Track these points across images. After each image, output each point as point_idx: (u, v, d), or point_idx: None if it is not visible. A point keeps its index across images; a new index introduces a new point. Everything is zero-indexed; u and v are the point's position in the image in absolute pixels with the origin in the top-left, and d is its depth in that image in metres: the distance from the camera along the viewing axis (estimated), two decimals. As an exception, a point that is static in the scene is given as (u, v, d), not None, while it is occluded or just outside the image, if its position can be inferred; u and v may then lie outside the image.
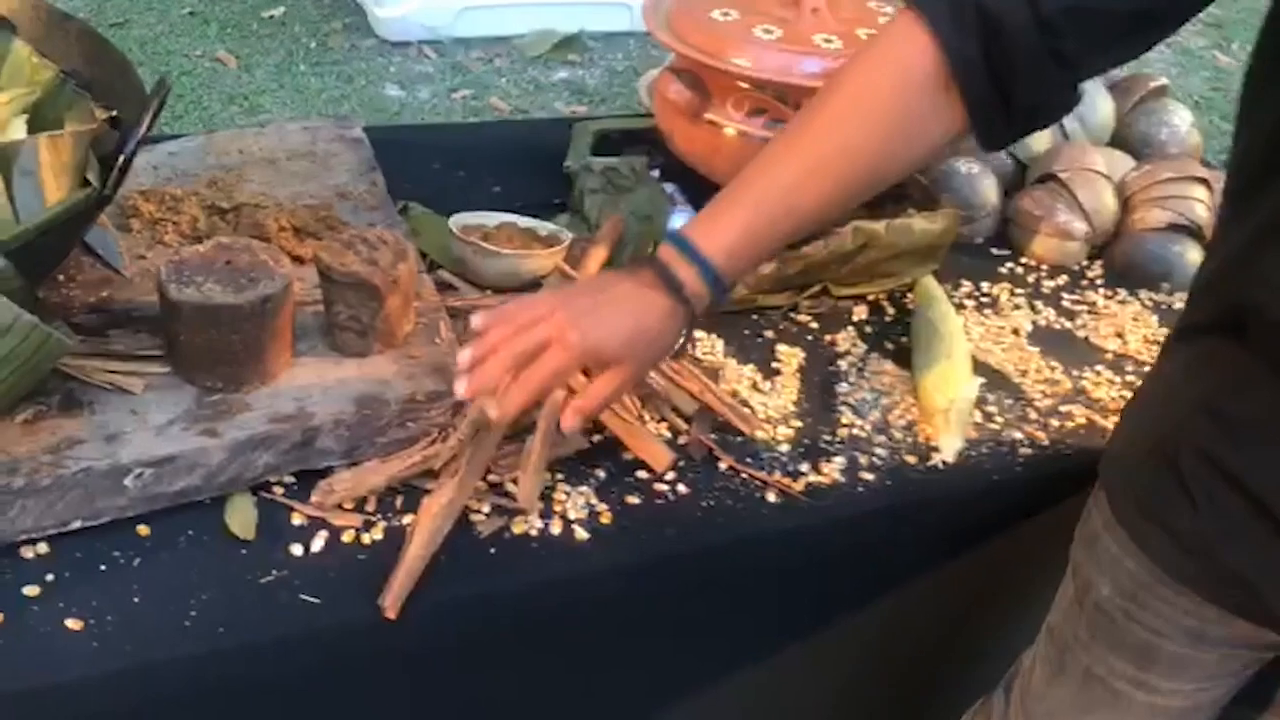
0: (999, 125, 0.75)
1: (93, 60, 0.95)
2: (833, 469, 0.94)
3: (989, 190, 1.28)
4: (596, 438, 0.93)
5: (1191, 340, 0.81)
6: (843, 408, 1.02)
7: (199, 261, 0.84)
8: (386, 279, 0.88)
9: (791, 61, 1.03)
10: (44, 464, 0.76)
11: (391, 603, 0.76)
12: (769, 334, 1.10)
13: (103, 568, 0.76)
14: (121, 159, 0.75)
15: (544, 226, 1.11)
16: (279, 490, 0.84)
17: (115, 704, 0.71)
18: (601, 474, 0.90)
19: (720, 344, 1.06)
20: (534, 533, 0.85)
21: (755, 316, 1.11)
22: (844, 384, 1.05)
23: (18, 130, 0.90)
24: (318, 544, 0.80)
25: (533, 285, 1.05)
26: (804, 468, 0.94)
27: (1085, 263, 1.29)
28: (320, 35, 3.11)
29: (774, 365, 1.05)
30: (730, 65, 1.05)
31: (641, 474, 0.91)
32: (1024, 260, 1.27)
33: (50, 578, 0.75)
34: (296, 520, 0.82)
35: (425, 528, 0.80)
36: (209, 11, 3.12)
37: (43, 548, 0.77)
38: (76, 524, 0.78)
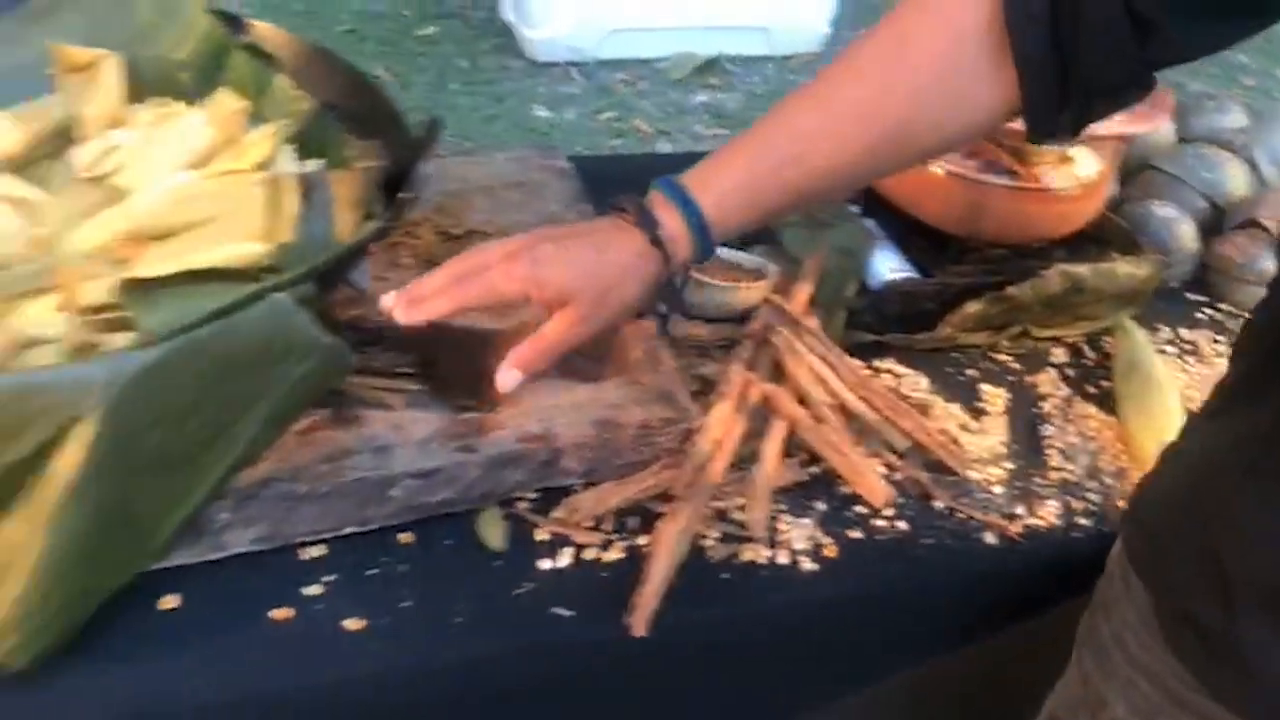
0: (1051, 104, 0.65)
1: (349, 94, 1.02)
2: (1048, 513, 0.95)
3: (1186, 235, 1.28)
4: (815, 470, 0.96)
5: (1249, 403, 0.68)
6: (1050, 451, 1.02)
7: (460, 288, 0.89)
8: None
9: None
10: (323, 472, 0.82)
11: (640, 620, 0.79)
12: (971, 373, 1.11)
13: (373, 571, 0.82)
14: (402, 195, 0.80)
15: (749, 259, 1.14)
16: (523, 506, 0.89)
17: (395, 699, 0.77)
18: (822, 506, 0.93)
19: (924, 381, 1.08)
20: (762, 561, 0.88)
21: (956, 355, 1.13)
22: (1050, 426, 1.05)
23: (287, 158, 0.97)
24: (564, 560, 0.85)
25: (742, 317, 1.08)
26: (1019, 510, 0.95)
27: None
28: (471, 55, 3.22)
29: (979, 405, 1.07)
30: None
31: (860, 508, 0.93)
32: (1223, 307, 1.26)
33: (328, 579, 0.80)
34: (540, 536, 0.87)
35: (666, 549, 0.84)
36: (366, 29, 3.25)
37: (320, 550, 0.83)
38: (349, 529, 0.83)
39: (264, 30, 1.04)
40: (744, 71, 3.29)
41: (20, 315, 0.77)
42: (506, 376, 0.74)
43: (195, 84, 1.04)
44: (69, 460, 0.66)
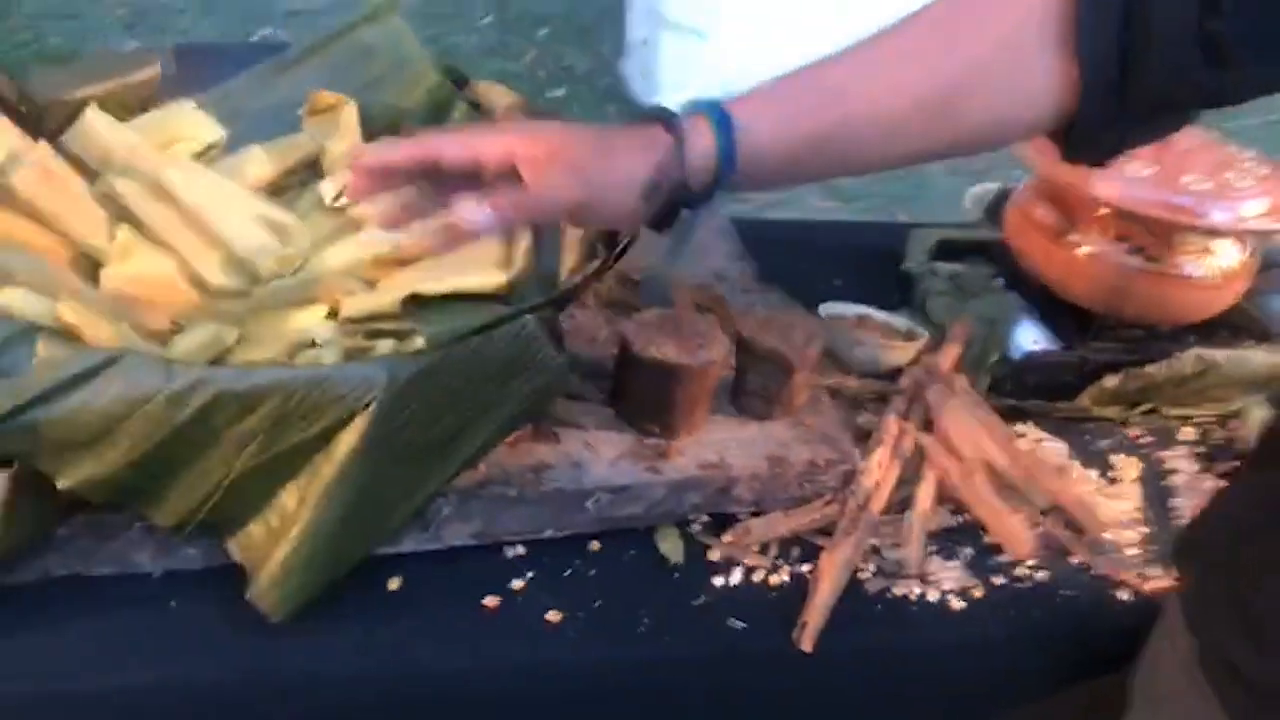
0: (1101, 112, 0.64)
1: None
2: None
3: (1315, 327, 1.33)
4: (962, 518, 1.03)
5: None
6: (1180, 520, 1.09)
7: (656, 324, 0.99)
8: (799, 356, 1.01)
9: (1161, 195, 1.12)
10: (529, 480, 0.92)
11: (809, 637, 0.87)
12: (1104, 443, 1.17)
13: (568, 573, 0.91)
14: (625, 242, 0.91)
15: (900, 321, 1.23)
16: (698, 527, 0.98)
17: (586, 687, 0.86)
18: (969, 551, 1.00)
19: (1062, 446, 1.15)
20: (913, 596, 0.95)
21: (1090, 426, 1.20)
22: (1179, 499, 1.12)
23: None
24: (735, 578, 0.93)
25: (893, 375, 1.17)
26: (1153, 571, 1.01)
27: None
28: (597, 118, 3.38)
29: (1112, 474, 1.13)
30: (1098, 193, 1.15)
31: (1003, 557, 1.00)
32: (1348, 399, 1.31)
33: (530, 574, 0.90)
34: (713, 555, 0.95)
35: (830, 576, 0.92)
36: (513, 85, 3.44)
37: (521, 549, 0.92)
38: (548, 533, 0.93)
39: (485, 88, 1.17)
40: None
41: (294, 321, 0.89)
42: (471, 210, 0.66)
43: (420, 130, 1.17)
44: (346, 444, 0.77)
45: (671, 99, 2.55)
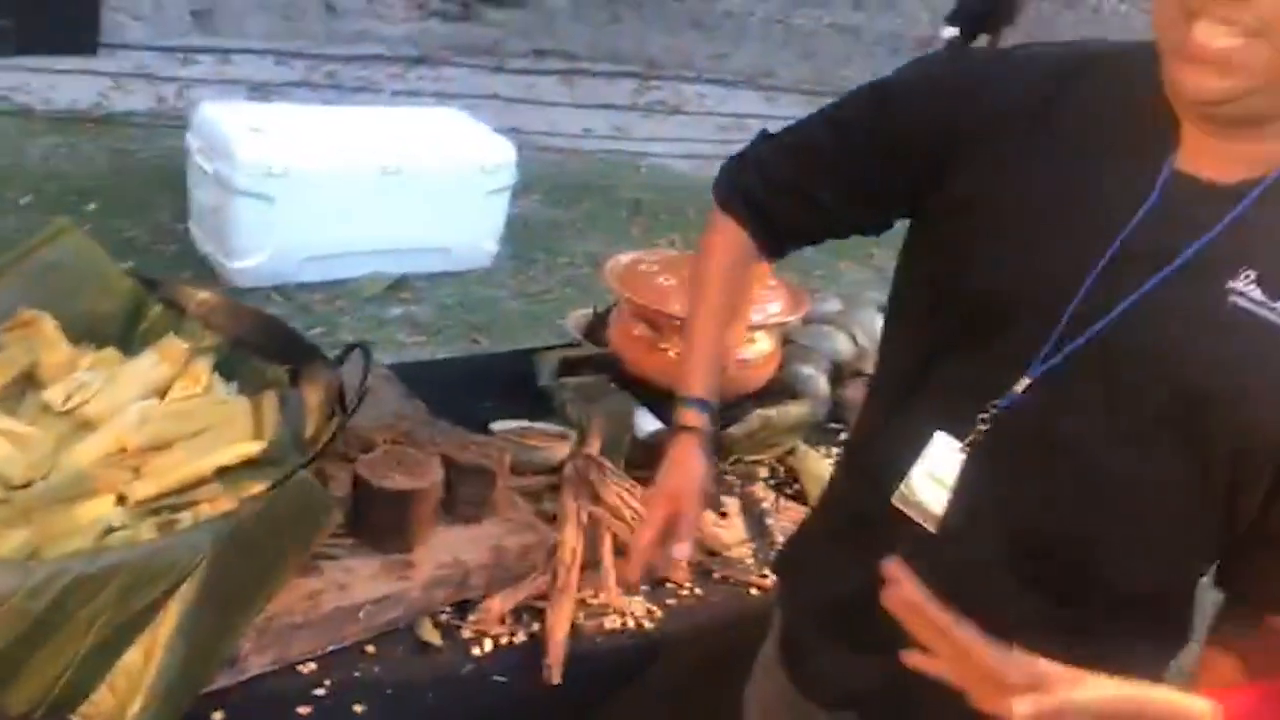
0: (778, 254, 1.19)
1: (257, 330, 1.33)
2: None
3: (822, 385, 1.86)
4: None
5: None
6: (775, 533, 1.51)
7: (382, 461, 1.23)
8: (498, 466, 1.30)
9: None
10: (307, 607, 1.11)
11: (556, 672, 1.15)
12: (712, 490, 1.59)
13: (357, 674, 1.11)
14: (357, 403, 1.15)
15: (551, 427, 1.56)
16: (445, 616, 1.22)
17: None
18: (645, 587, 1.34)
19: (685, 499, 1.53)
20: (617, 625, 1.27)
21: (699, 480, 1.60)
22: (770, 520, 1.55)
23: (217, 383, 1.26)
24: (487, 646, 1.19)
25: (557, 469, 1.49)
26: (766, 574, 1.42)
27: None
28: (172, 285, 3.41)
29: (722, 510, 1.54)
30: (671, 310, 1.58)
31: (670, 585, 1.36)
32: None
33: (327, 682, 1.09)
34: (466, 634, 1.20)
35: (558, 627, 1.21)
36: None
37: (313, 665, 1.11)
38: (331, 646, 1.12)
39: (180, 289, 1.34)
40: (430, 286, 3.75)
41: (84, 512, 1.02)
42: (680, 550, 1.10)
43: (119, 332, 1.31)
44: (183, 601, 0.93)
45: (246, 261, 2.76)
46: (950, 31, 6.13)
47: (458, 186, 3.73)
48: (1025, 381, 0.95)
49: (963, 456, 0.99)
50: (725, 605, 1.35)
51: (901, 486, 1.03)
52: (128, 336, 1.32)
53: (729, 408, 1.67)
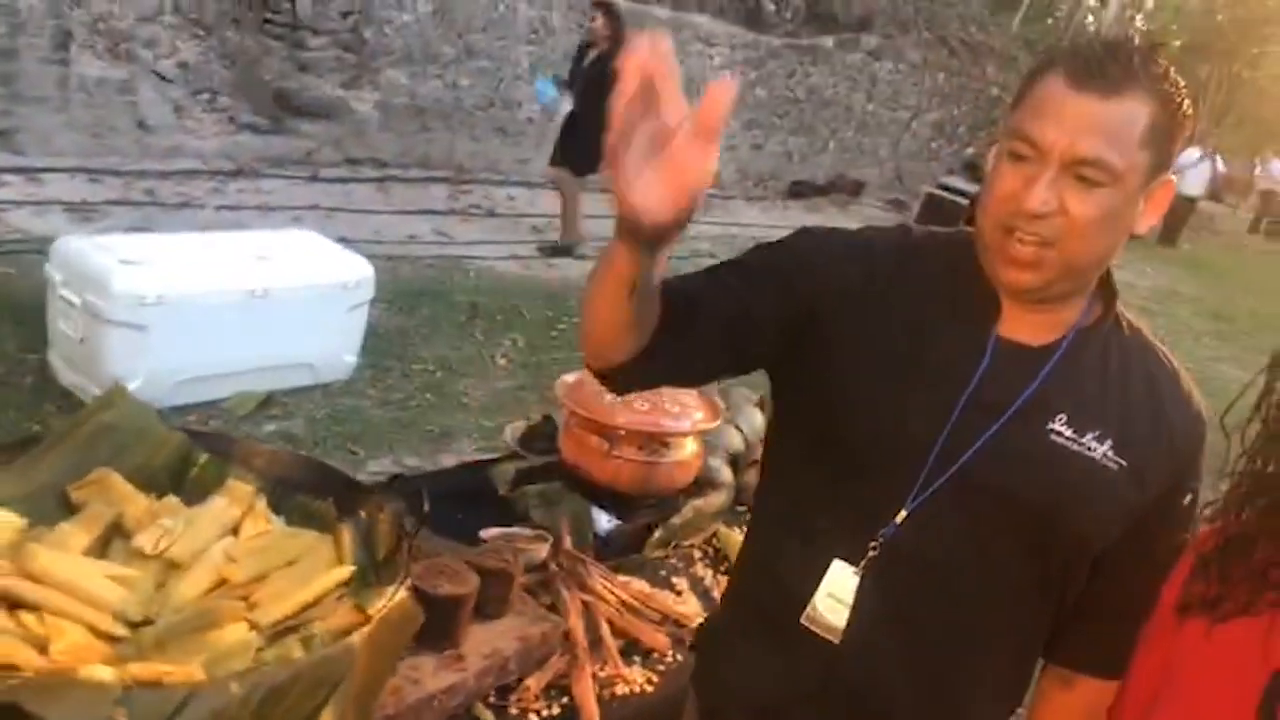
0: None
1: (295, 469, 1.54)
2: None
3: (728, 473, 2.21)
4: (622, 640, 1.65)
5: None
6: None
7: (430, 573, 1.47)
8: (516, 568, 1.56)
9: (655, 418, 1.89)
10: (395, 700, 1.34)
11: (594, 736, 1.42)
12: (662, 573, 1.89)
13: (442, 751, 1.34)
14: (416, 530, 1.39)
15: (528, 531, 1.82)
16: (491, 698, 1.46)
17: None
18: (637, 658, 1.62)
19: (645, 582, 1.83)
20: (624, 691, 1.54)
21: (655, 563, 1.90)
22: (715, 592, 1.86)
23: (264, 509, 1.46)
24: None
25: (539, 566, 1.75)
26: (725, 635, 1.73)
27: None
28: (40, 415, 3.39)
29: (677, 588, 1.84)
30: (619, 422, 1.89)
31: (655, 654, 1.64)
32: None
33: (422, 762, 1.31)
34: (513, 711, 1.45)
35: (586, 697, 1.48)
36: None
37: (405, 749, 1.33)
38: (425, 731, 1.35)
39: (219, 437, 1.53)
40: (296, 401, 3.86)
41: (222, 638, 1.21)
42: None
43: (171, 481, 1.49)
44: (337, 702, 1.15)
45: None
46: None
47: (321, 304, 3.90)
48: (903, 514, 1.15)
49: (857, 580, 1.17)
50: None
51: (808, 609, 1.20)
52: (180, 485, 1.49)
53: (665, 501, 1.99)
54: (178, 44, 6.60)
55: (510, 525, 1.86)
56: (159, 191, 5.81)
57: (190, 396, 3.64)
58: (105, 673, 1.07)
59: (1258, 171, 20.98)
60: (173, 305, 3.43)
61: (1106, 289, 1.19)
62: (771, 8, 11.32)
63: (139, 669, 1.08)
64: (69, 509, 1.40)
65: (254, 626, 1.25)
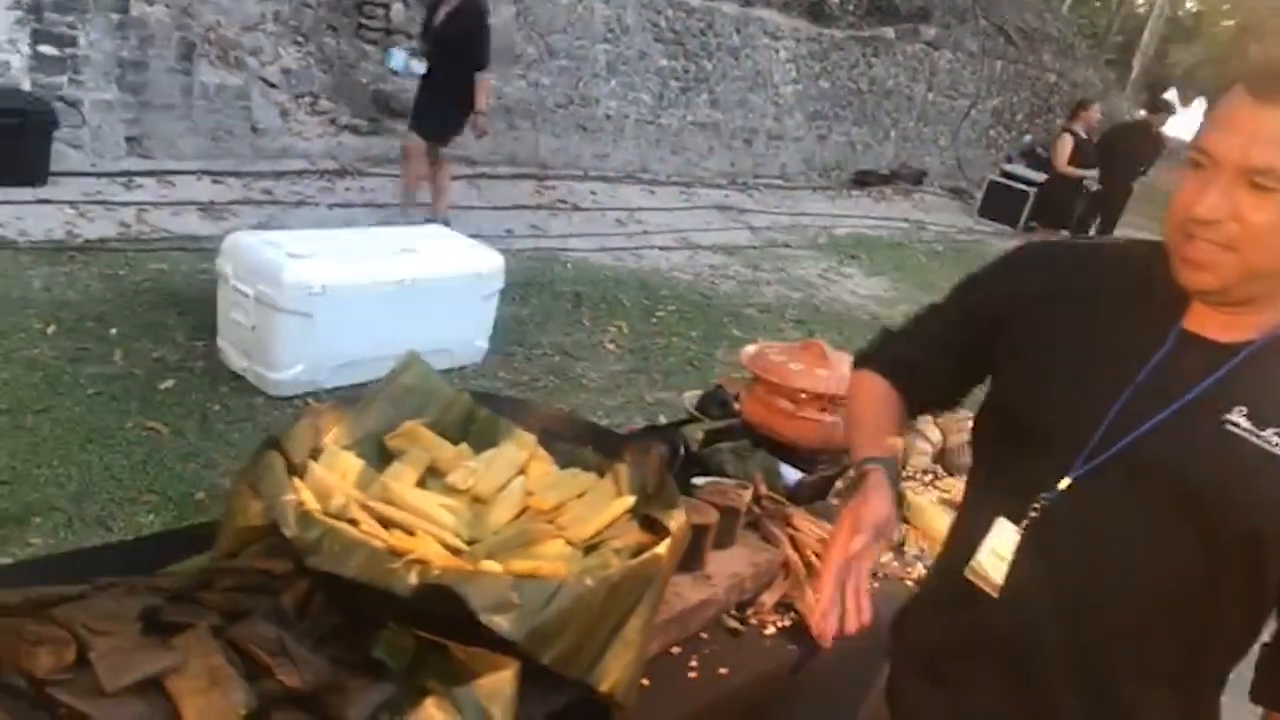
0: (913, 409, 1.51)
1: (557, 423, 1.83)
2: (921, 565, 2.01)
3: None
4: (827, 569, 1.92)
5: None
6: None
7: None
8: (741, 507, 1.84)
9: (840, 384, 2.16)
10: (666, 609, 1.61)
11: (827, 637, 1.70)
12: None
13: (706, 651, 1.62)
14: (675, 469, 1.67)
15: (729, 481, 2.09)
16: (733, 612, 1.74)
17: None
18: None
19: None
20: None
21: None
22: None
23: (545, 454, 1.76)
24: (769, 630, 1.72)
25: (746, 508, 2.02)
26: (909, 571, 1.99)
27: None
28: (217, 397, 3.73)
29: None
30: (799, 384, 2.15)
31: (853, 582, 1.91)
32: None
33: (694, 660, 1.59)
34: (753, 622, 1.72)
35: (815, 610, 1.75)
36: (114, 390, 3.62)
37: (677, 649, 1.61)
38: (683, 636, 1.63)
39: (495, 398, 1.83)
40: (437, 382, 4.19)
41: (547, 551, 1.50)
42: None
43: (457, 434, 1.78)
44: (647, 601, 1.43)
45: (286, 372, 3.25)
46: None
47: (459, 293, 4.21)
48: (1067, 481, 1.21)
49: (1018, 536, 1.24)
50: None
51: (972, 561, 1.28)
52: (466, 435, 1.79)
53: (844, 456, 2.26)
54: (280, 51, 6.97)
55: (709, 477, 2.14)
56: (275, 191, 6.17)
57: (345, 379, 3.96)
58: (496, 568, 1.37)
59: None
60: (335, 295, 3.75)
61: None
62: (835, 0, 11.52)
63: (518, 566, 1.37)
64: (384, 454, 1.70)
65: (569, 543, 1.54)
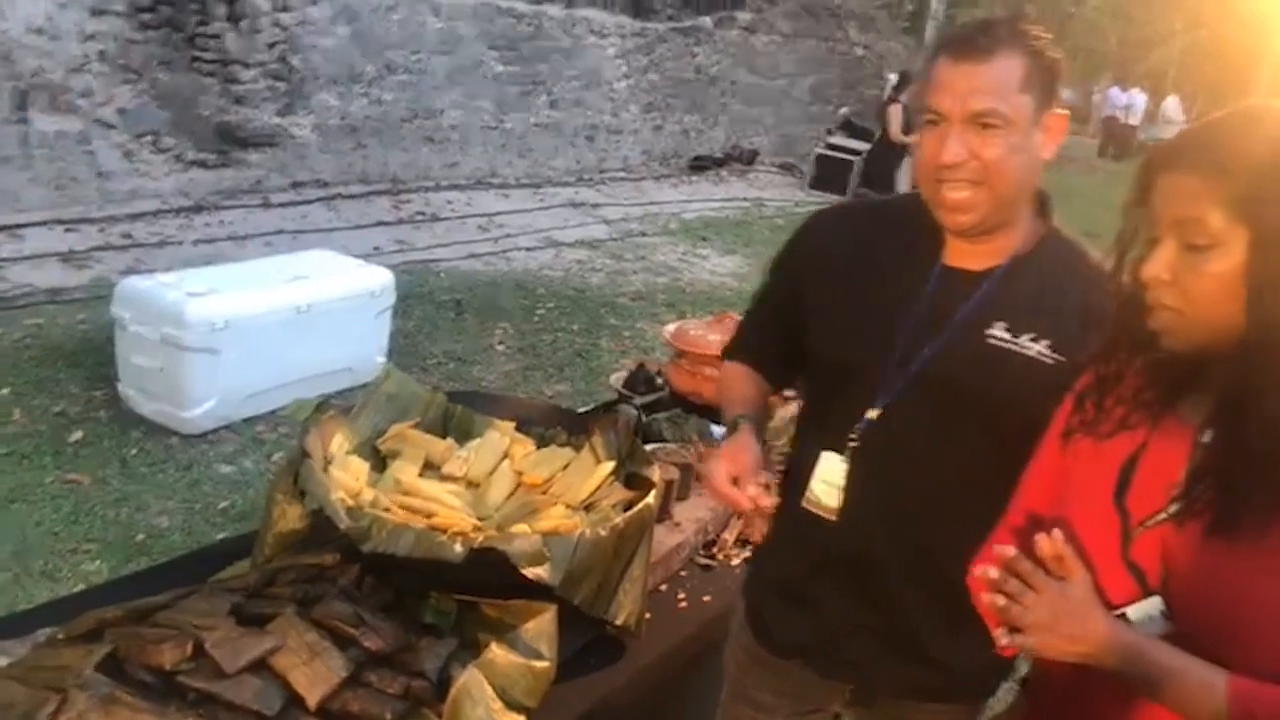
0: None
1: (533, 410, 2.05)
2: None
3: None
4: (770, 508, 2.22)
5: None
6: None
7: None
8: (695, 464, 2.11)
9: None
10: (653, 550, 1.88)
11: (784, 562, 1.99)
12: (770, 465, 2.46)
13: (688, 585, 1.89)
14: (641, 434, 1.93)
15: (673, 445, 2.36)
16: (701, 552, 2.01)
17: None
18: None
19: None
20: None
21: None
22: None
23: (523, 438, 1.98)
24: (734, 561, 2.00)
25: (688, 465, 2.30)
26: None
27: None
28: (131, 442, 3.76)
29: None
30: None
31: (792, 515, 2.22)
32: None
33: (680, 592, 1.86)
34: (719, 557, 2.00)
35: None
36: (24, 449, 3.61)
37: (665, 586, 1.87)
38: (666, 574, 1.89)
39: (467, 394, 2.04)
40: (345, 400, 4.28)
41: (550, 517, 1.73)
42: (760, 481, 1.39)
43: (438, 428, 1.99)
44: (645, 544, 1.69)
45: (197, 410, 3.41)
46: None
47: (354, 313, 4.34)
48: (874, 412, 1.40)
49: (845, 465, 1.42)
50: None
51: (807, 492, 1.46)
52: (446, 430, 2.00)
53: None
54: (112, 90, 6.80)
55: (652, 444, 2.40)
56: (135, 234, 6.06)
57: (255, 409, 4.04)
58: (525, 529, 1.60)
59: (1096, 99, 22.55)
60: (239, 328, 3.83)
61: (1044, 215, 1.43)
62: (653, -6, 11.91)
63: (548, 525, 1.61)
64: (379, 456, 1.90)
65: (568, 506, 1.78)
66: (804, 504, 1.45)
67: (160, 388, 3.86)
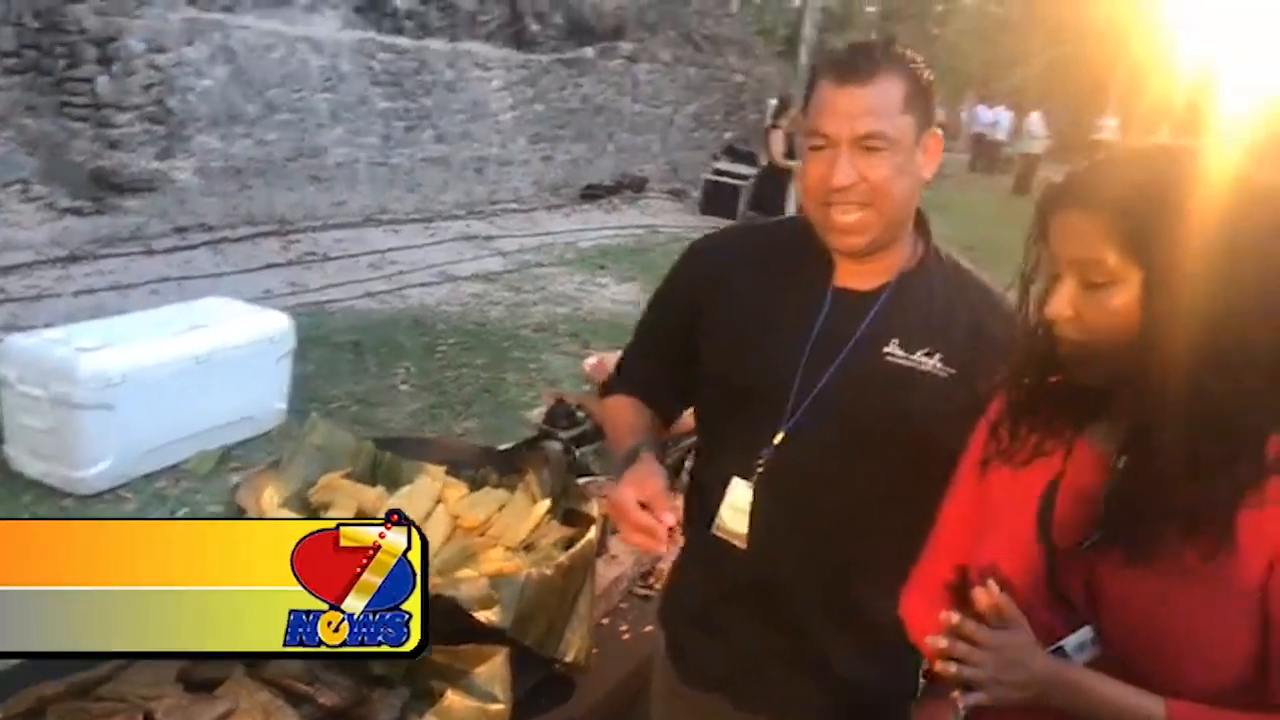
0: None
1: (466, 455, 2.05)
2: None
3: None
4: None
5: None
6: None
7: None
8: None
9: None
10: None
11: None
12: (695, 492, 2.50)
13: (633, 614, 1.90)
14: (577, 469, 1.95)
15: (601, 478, 2.38)
16: (639, 581, 2.03)
17: None
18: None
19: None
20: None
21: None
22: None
23: (455, 480, 1.98)
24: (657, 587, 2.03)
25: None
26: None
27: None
28: (21, 506, 3.57)
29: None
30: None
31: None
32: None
33: (623, 625, 1.87)
34: (658, 586, 2.03)
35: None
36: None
37: (607, 620, 1.88)
38: (608, 606, 1.91)
39: (397, 441, 2.03)
40: (247, 451, 4.16)
41: (491, 559, 1.73)
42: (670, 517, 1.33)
43: (368, 475, 1.97)
44: (589, 580, 1.71)
45: (91, 469, 3.32)
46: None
47: (255, 359, 4.23)
48: (780, 436, 1.37)
49: (751, 492, 1.40)
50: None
51: (716, 519, 1.44)
52: (375, 477, 1.98)
53: (678, 441, 2.60)
54: (-27, 139, 6.53)
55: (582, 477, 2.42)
56: (8, 288, 5.80)
57: (156, 464, 3.91)
58: (471, 573, 1.60)
59: (964, 117, 23.54)
60: (135, 382, 3.70)
61: (923, 234, 1.44)
62: (535, 27, 11.96)
63: (491, 567, 1.61)
64: (309, 508, 1.87)
65: (507, 548, 1.79)
66: (714, 531, 1.44)
67: (51, 448, 3.69)
